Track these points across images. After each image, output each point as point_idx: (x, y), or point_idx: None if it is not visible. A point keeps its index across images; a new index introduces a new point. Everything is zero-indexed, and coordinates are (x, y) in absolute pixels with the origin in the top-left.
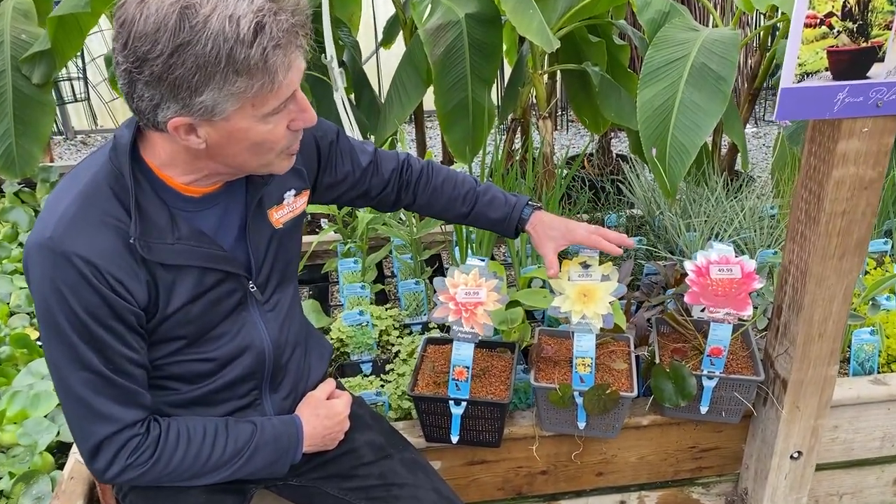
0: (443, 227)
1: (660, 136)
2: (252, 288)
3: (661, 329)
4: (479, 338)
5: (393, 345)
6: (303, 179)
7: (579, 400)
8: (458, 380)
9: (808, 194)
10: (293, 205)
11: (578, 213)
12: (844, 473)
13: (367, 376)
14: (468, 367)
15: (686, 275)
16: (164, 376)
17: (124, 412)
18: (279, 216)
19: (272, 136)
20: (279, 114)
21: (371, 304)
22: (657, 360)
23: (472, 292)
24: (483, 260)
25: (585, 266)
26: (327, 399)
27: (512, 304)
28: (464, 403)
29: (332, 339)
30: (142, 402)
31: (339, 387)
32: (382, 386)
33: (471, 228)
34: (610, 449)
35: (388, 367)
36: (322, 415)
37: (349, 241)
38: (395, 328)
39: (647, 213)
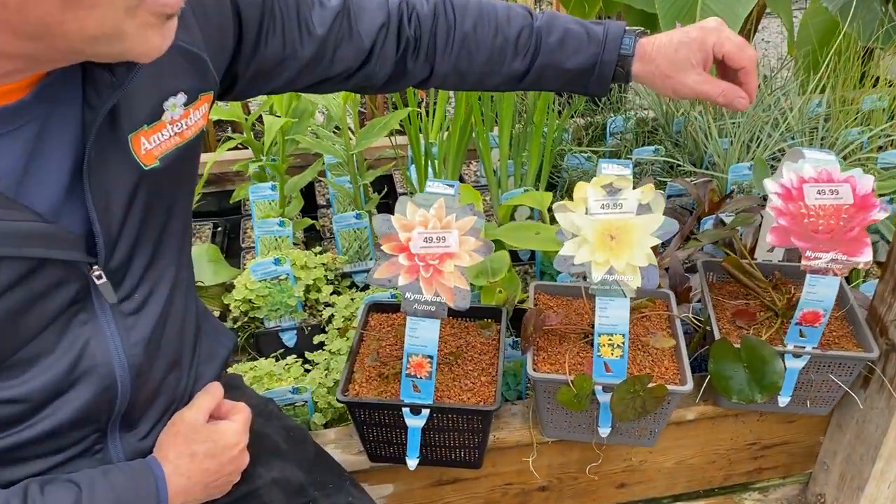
0: (393, 137)
1: (685, 7)
2: (99, 279)
3: (709, 276)
4: (448, 309)
5: (327, 304)
6: (201, 74)
7: (604, 398)
8: (415, 376)
9: None
10: (182, 122)
11: (573, 116)
12: None
13: (289, 352)
14: (432, 357)
15: (727, 197)
16: None
17: None
18: (153, 145)
19: None
20: None
21: (295, 246)
22: (717, 333)
23: (437, 238)
24: (452, 185)
25: (612, 191)
26: (210, 420)
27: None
28: (426, 411)
29: (236, 299)
30: None
31: (230, 390)
32: (307, 371)
33: (431, 138)
34: (638, 454)
35: (317, 338)
36: (202, 452)
37: (262, 158)
38: (329, 281)
39: (661, 114)
